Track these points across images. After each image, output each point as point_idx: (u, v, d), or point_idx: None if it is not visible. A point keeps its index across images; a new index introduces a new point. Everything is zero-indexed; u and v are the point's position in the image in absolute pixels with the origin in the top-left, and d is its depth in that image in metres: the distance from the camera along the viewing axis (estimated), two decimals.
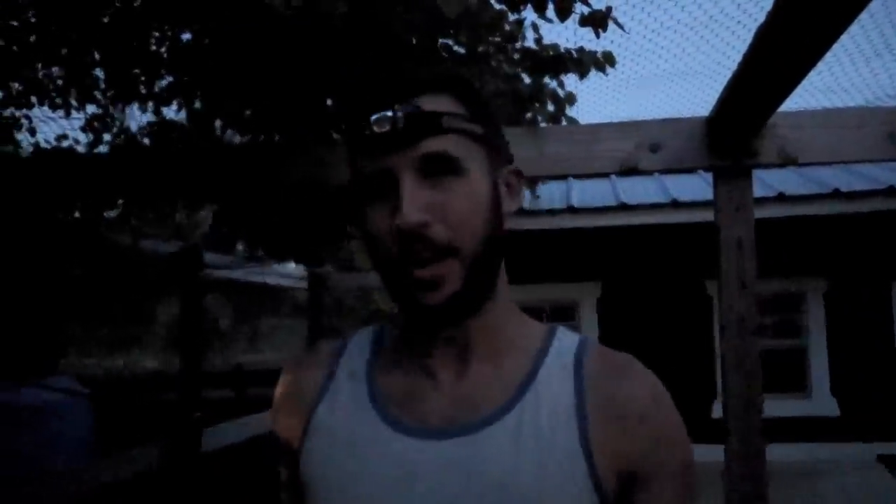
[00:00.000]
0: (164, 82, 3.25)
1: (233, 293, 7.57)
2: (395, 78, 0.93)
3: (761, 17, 1.86)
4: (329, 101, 3.11)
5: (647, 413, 0.94)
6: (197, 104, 3.28)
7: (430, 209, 0.88)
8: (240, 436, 5.90)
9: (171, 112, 3.57)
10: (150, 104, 3.45)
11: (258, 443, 5.99)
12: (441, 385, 0.96)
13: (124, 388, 5.94)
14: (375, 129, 0.88)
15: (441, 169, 0.89)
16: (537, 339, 1.00)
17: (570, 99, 3.62)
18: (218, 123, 3.42)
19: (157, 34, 2.97)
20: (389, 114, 0.88)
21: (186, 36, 3.06)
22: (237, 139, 3.56)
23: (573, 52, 3.18)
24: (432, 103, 0.90)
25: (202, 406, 5.30)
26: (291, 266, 8.41)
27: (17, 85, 3.35)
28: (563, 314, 6.91)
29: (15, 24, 2.81)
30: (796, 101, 2.46)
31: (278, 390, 1.08)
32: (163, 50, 3.03)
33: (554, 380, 0.95)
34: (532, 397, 0.94)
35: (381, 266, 0.93)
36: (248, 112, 3.22)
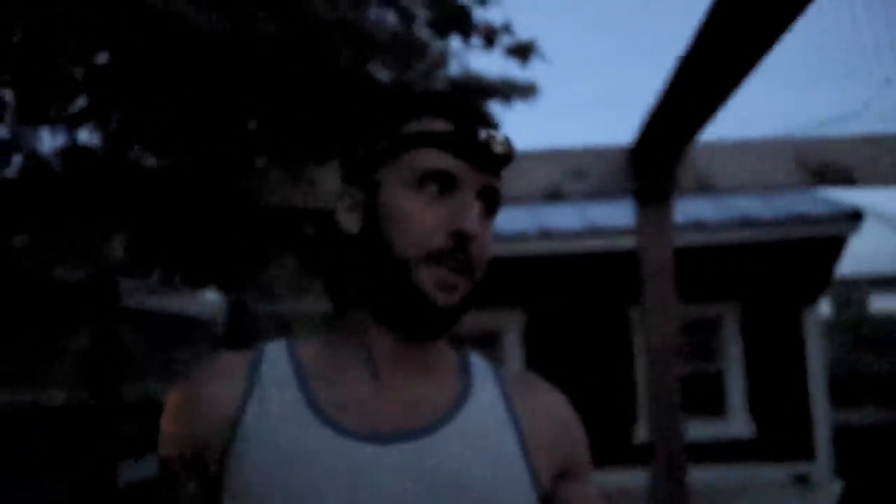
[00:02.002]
0: (78, 105, 3.14)
1: (147, 322, 7.32)
2: (487, 110, 1.03)
3: (679, 49, 1.92)
4: (252, 124, 3.06)
5: (567, 419, 1.09)
6: (113, 127, 3.17)
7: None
8: (153, 470, 5.68)
9: (85, 136, 3.43)
10: (63, 127, 3.32)
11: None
12: (386, 392, 1.00)
13: (31, 422, 5.66)
14: (490, 143, 0.97)
15: (489, 202, 1.00)
16: (456, 358, 1.10)
17: None
18: (135, 147, 3.31)
19: (71, 55, 2.86)
20: (501, 138, 0.98)
21: (103, 57, 2.97)
22: (155, 163, 3.45)
23: (499, 83, 3.23)
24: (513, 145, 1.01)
25: (116, 440, 5.09)
26: (209, 295, 8.20)
27: None
28: (488, 342, 6.94)
29: None
30: (713, 131, 2.55)
31: (180, 402, 1.02)
32: (77, 71, 2.93)
33: (485, 391, 1.05)
34: (472, 405, 1.02)
35: (397, 255, 0.96)
36: (167, 135, 3.13)
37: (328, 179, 2.76)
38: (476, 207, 0.95)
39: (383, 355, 1.00)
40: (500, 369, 1.11)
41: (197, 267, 3.76)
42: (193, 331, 8.75)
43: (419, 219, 0.95)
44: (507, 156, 0.99)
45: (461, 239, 0.94)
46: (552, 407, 1.08)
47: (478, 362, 1.10)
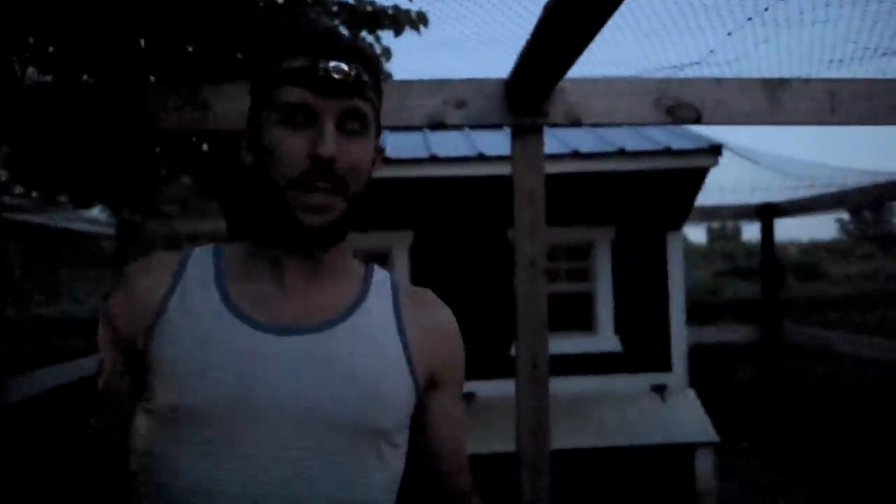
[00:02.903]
0: None
1: (32, 238, 7.11)
2: (340, 36, 1.12)
3: None
4: (143, 42, 3.07)
5: (448, 333, 1.27)
6: None
7: (339, 151, 1.08)
8: (44, 386, 5.67)
9: None
10: None
11: (64, 392, 5.79)
12: (291, 294, 1.16)
13: None
14: (331, 73, 1.07)
15: (353, 124, 1.10)
16: (361, 269, 1.26)
17: (386, 54, 3.79)
18: (15, 61, 3.25)
19: None
20: (345, 66, 1.08)
21: None
22: (37, 77, 3.39)
23: (389, 10, 3.34)
24: (362, 70, 1.11)
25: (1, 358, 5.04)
26: (95, 212, 8.00)
27: None
28: (378, 260, 7.13)
29: None
30: (585, 71, 2.78)
31: (119, 292, 1.17)
32: None
33: (378, 300, 1.22)
34: (364, 310, 1.19)
35: (272, 182, 1.09)
36: (51, 50, 3.09)
37: (221, 103, 2.84)
38: (330, 133, 1.07)
39: (288, 264, 1.16)
40: (397, 282, 1.27)
41: (84, 185, 3.74)
42: (81, 247, 8.55)
43: (283, 149, 1.08)
44: (351, 82, 1.08)
45: (320, 163, 1.06)
46: (437, 319, 1.26)
47: (379, 275, 1.26)
